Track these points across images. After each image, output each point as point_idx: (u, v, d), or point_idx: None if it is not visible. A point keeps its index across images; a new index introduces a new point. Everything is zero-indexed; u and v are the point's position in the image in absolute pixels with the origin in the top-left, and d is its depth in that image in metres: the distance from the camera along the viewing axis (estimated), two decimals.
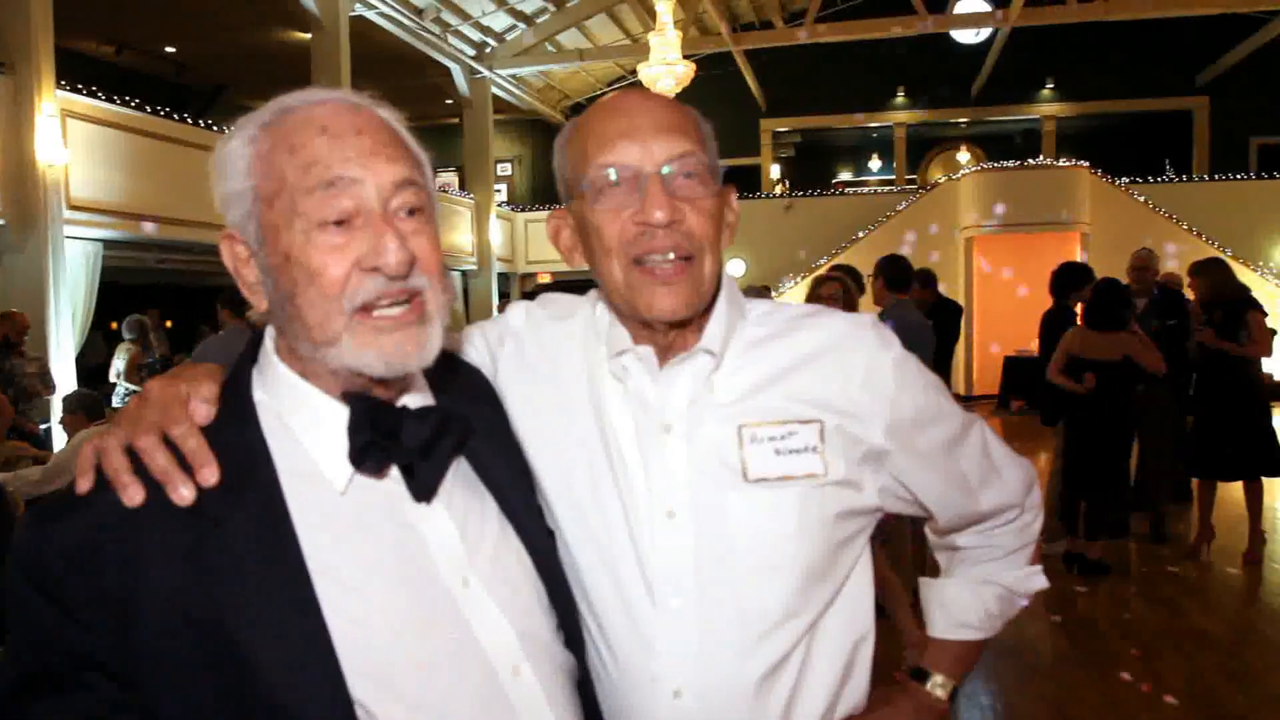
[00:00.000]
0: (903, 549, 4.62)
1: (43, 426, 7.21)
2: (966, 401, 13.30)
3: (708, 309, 1.19)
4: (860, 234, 15.03)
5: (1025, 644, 4.53)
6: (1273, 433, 5.82)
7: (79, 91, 8.39)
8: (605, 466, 1.19)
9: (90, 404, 5.52)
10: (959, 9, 15.71)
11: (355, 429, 0.96)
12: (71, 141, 8.10)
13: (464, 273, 15.49)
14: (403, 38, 13.09)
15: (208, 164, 0.99)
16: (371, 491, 0.99)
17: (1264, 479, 5.80)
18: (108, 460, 0.92)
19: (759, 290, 7.65)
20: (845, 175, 22.04)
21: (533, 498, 1.20)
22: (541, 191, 19.34)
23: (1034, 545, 1.38)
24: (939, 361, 6.10)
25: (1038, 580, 1.38)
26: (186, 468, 0.91)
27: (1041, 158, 15.62)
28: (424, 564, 1.00)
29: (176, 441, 0.93)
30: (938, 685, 1.35)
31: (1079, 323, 5.78)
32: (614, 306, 1.19)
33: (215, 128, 9.85)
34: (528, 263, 17.34)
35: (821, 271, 4.84)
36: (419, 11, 13.14)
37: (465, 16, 14.03)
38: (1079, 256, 12.81)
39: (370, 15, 12.22)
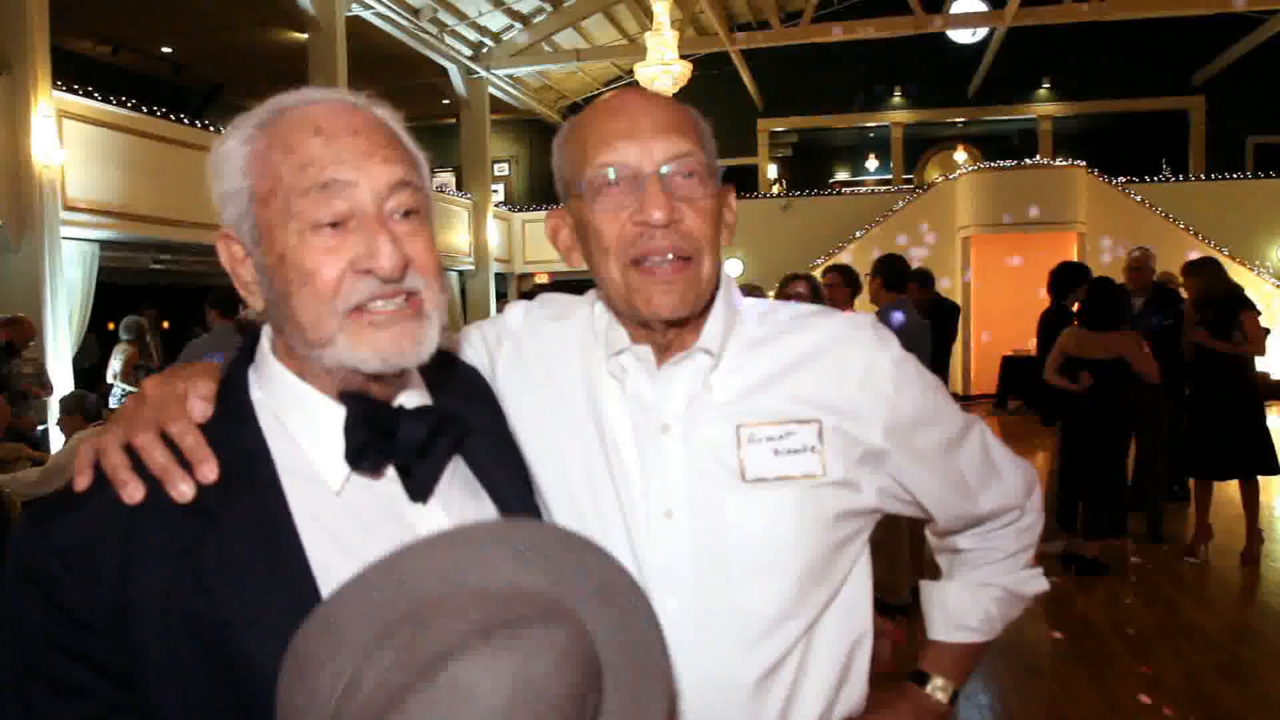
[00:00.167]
0: (901, 549, 4.62)
1: (40, 428, 7.20)
2: (964, 401, 13.31)
3: (706, 308, 1.18)
4: (858, 234, 15.04)
5: (1023, 644, 4.53)
6: (1268, 431, 5.83)
7: (75, 92, 8.37)
8: (603, 466, 1.19)
9: (87, 405, 5.51)
10: (955, 9, 15.71)
11: (351, 429, 0.95)
12: (68, 142, 8.08)
13: (461, 273, 15.48)
14: (399, 38, 13.08)
15: (204, 164, 0.99)
16: (368, 491, 0.99)
17: (1260, 478, 5.81)
18: (106, 457, 0.91)
19: (750, 289, 7.65)
20: (842, 175, 22.04)
21: (530, 497, 1.20)
22: (539, 192, 19.32)
23: (1035, 548, 1.38)
24: (936, 361, 6.11)
25: (1038, 582, 1.38)
26: (185, 465, 0.91)
27: (1038, 157, 15.66)
28: None
29: (175, 439, 0.92)
30: (938, 688, 1.34)
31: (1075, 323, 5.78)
32: (612, 306, 1.19)
33: (212, 128, 9.82)
34: (525, 263, 17.31)
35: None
36: (415, 11, 13.12)
37: (462, 16, 14.02)
38: (1075, 256, 12.83)
39: (366, 15, 12.20)
